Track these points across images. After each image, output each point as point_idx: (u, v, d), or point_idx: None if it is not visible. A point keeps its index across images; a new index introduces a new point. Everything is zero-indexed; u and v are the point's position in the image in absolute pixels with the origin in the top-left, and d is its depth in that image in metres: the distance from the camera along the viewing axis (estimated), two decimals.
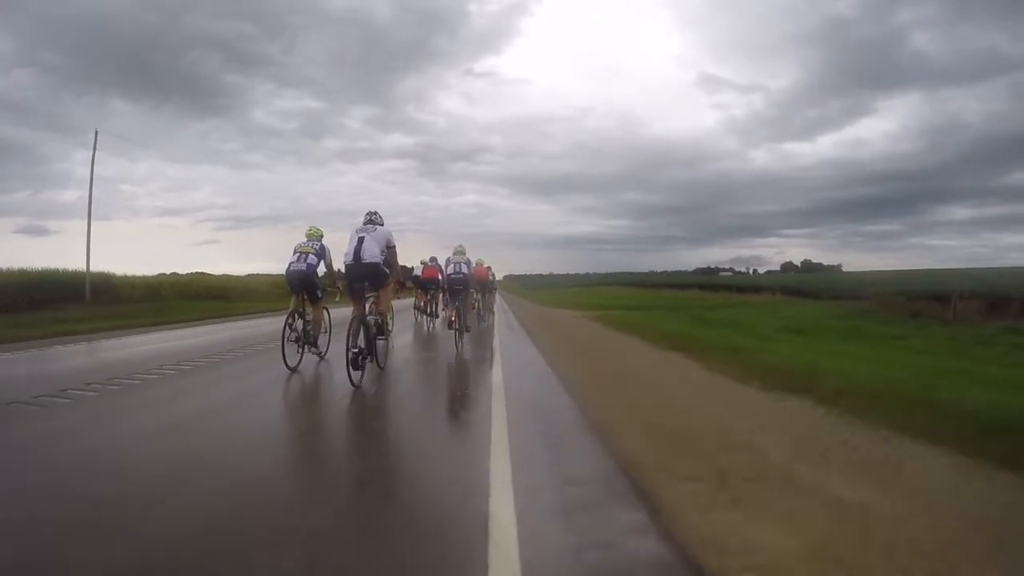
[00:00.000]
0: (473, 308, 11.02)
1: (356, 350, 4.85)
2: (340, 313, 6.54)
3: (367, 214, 5.56)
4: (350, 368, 4.76)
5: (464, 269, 8.64)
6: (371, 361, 5.22)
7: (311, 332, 6.11)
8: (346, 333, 4.85)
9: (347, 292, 5.39)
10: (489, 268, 14.22)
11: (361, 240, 5.18)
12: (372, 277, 5.22)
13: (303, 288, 6.05)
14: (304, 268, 5.99)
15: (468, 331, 8.55)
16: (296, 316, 6.00)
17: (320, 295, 6.20)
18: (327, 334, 6.69)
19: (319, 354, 6.37)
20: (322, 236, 6.41)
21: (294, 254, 6.09)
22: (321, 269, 6.30)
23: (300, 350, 5.95)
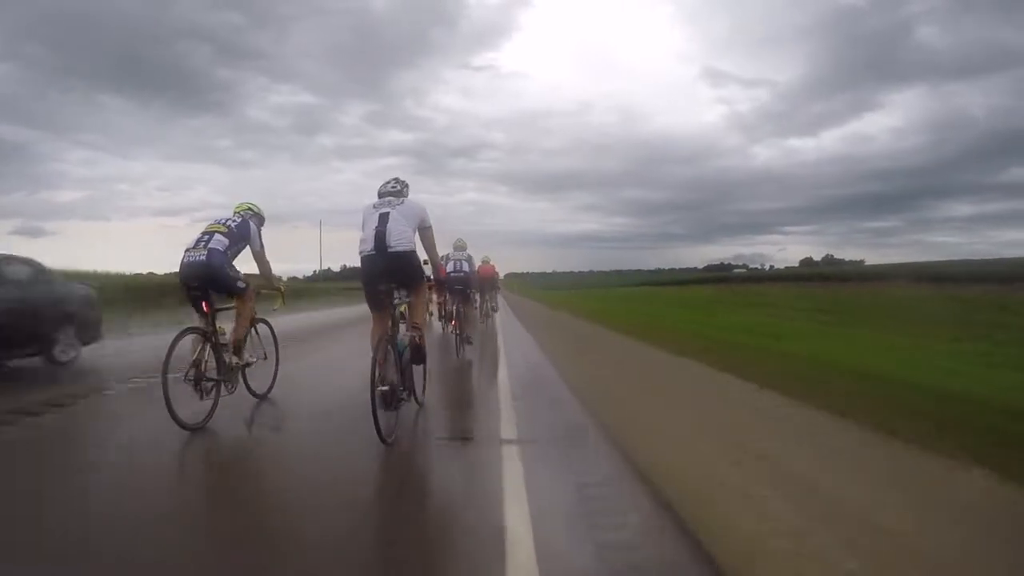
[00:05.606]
0: (475, 310, 10.63)
1: (387, 387, 3.39)
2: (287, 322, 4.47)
3: (388, 182, 4.05)
4: (376, 417, 3.25)
5: (465, 267, 8.07)
6: (408, 399, 3.87)
7: (230, 361, 4.02)
8: (371, 362, 3.32)
9: (367, 299, 3.87)
10: (495, 266, 14.38)
11: (385, 219, 3.68)
12: (404, 275, 3.76)
13: (207, 289, 3.95)
14: (204, 258, 3.87)
15: (470, 343, 7.77)
16: (200, 337, 3.92)
17: (243, 290, 4.14)
18: (269, 360, 4.79)
19: (254, 395, 4.53)
20: (258, 215, 4.50)
21: (198, 235, 4.04)
22: (249, 262, 4.31)
23: (207, 393, 3.84)
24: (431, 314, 11.41)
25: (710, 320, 14.93)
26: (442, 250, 9.43)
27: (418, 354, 3.91)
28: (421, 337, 3.92)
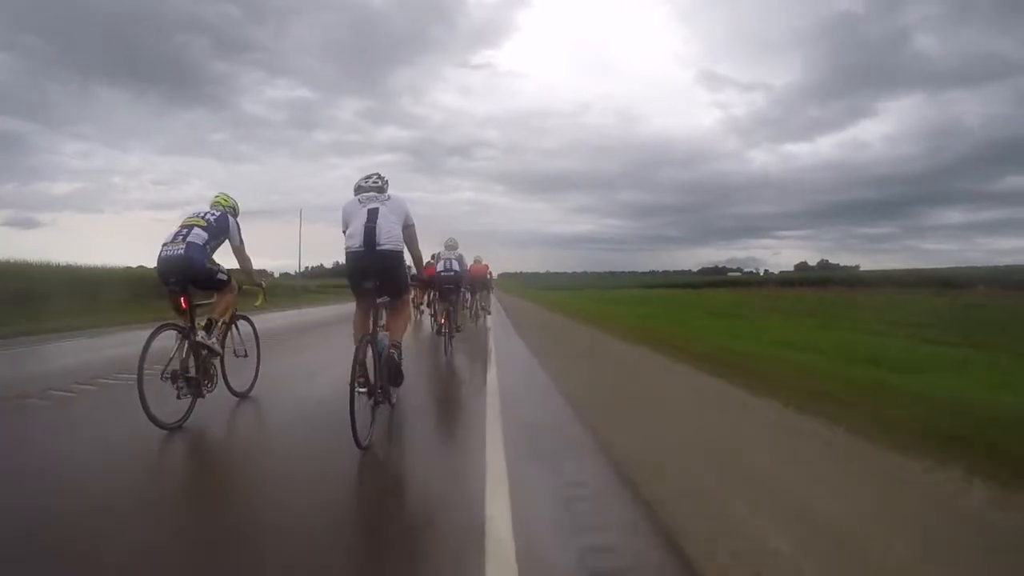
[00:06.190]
0: (465, 310, 10.83)
1: (364, 389, 3.37)
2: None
3: (367, 177, 3.93)
4: (354, 419, 3.14)
5: (456, 266, 8.22)
6: (383, 402, 3.70)
7: (207, 360, 3.96)
8: (352, 362, 3.28)
9: (355, 294, 3.85)
10: (487, 266, 14.50)
11: (374, 214, 3.63)
12: (390, 276, 3.68)
13: (186, 284, 3.85)
14: (182, 252, 3.78)
15: (458, 331, 8.14)
16: (178, 333, 3.84)
17: (224, 283, 4.07)
18: (250, 358, 4.73)
19: (235, 393, 4.47)
20: (233, 208, 4.41)
21: (176, 228, 3.98)
22: (228, 257, 4.26)
23: (185, 391, 3.76)
24: (421, 312, 11.40)
25: (770, 335, 9.96)
26: (434, 249, 9.52)
27: (396, 375, 3.85)
28: (399, 356, 3.85)
